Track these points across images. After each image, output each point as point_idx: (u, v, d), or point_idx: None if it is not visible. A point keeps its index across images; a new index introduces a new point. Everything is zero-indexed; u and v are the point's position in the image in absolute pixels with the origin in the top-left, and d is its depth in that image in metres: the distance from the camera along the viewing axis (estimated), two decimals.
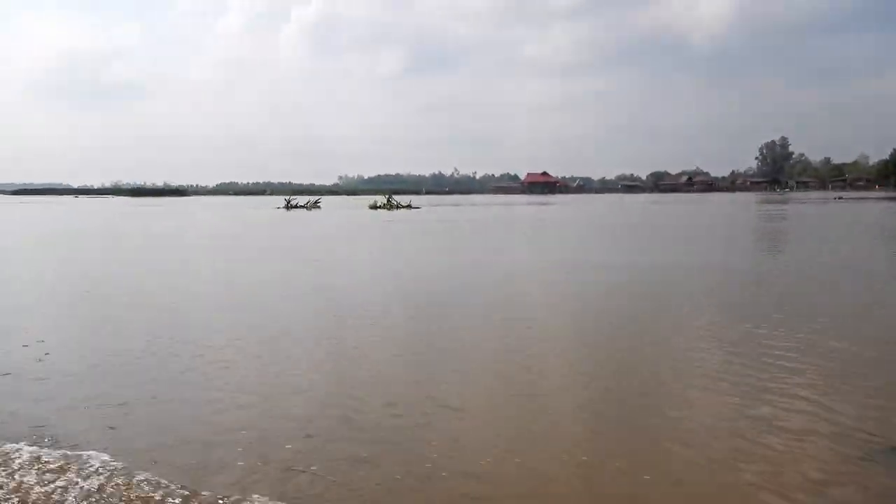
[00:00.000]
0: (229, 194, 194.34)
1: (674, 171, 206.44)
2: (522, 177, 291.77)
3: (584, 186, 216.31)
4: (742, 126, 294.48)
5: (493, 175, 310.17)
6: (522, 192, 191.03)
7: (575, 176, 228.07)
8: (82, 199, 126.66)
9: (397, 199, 46.06)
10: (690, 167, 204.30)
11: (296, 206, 46.16)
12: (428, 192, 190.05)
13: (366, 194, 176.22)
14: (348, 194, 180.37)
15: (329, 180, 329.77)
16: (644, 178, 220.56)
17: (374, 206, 43.67)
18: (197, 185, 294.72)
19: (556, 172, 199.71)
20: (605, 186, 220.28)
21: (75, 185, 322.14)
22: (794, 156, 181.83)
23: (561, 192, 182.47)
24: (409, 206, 43.89)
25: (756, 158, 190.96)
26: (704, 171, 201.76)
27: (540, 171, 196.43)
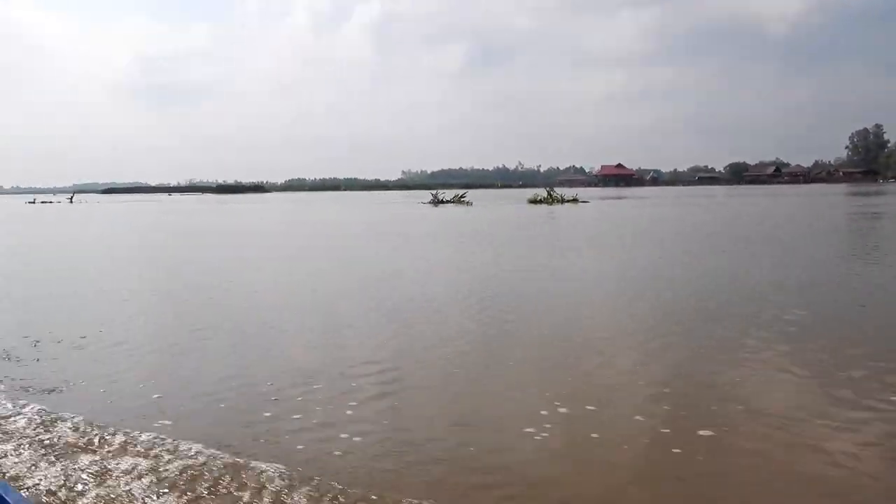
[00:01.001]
0: (303, 190, 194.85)
1: (751, 161, 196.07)
2: (588, 169, 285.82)
3: (658, 179, 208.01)
4: (820, 115, 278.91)
5: (557, 168, 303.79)
6: (595, 184, 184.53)
7: (643, 168, 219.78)
8: (175, 196, 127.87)
9: (558, 192, 42.16)
10: (768, 158, 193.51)
11: (443, 202, 42.77)
12: (503, 186, 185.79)
13: (430, 188, 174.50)
14: (411, 188, 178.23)
15: (393, 176, 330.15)
16: (721, 169, 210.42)
17: (535, 201, 40.11)
18: (266, 182, 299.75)
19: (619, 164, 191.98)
20: (677, 178, 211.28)
21: (153, 184, 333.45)
22: (889, 144, 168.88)
23: (636, 184, 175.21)
24: (574, 200, 40.10)
25: (846, 147, 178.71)
26: (784, 161, 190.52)
27: (613, 163, 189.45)
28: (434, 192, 46.11)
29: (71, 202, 69.48)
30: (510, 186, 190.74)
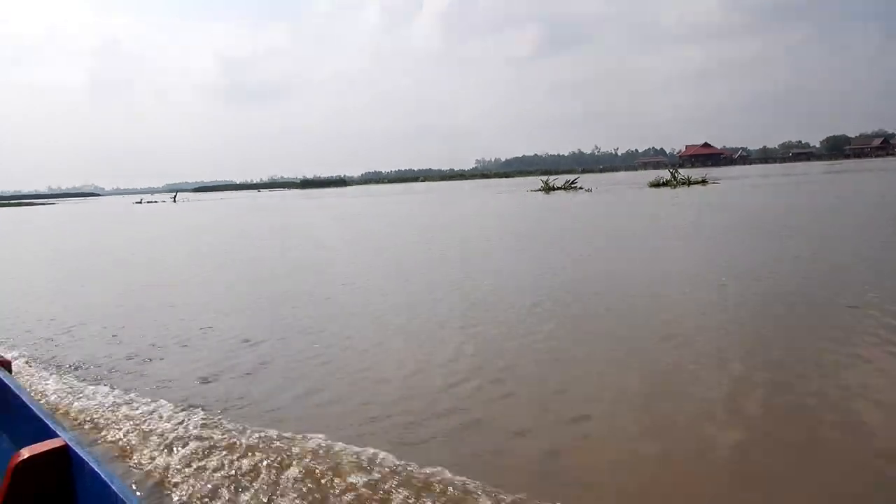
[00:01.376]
0: (381, 182, 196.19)
1: (851, 134, 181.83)
2: (669, 150, 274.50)
3: (747, 157, 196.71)
4: None
5: (636, 150, 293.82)
6: (681, 165, 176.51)
7: (728, 147, 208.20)
8: (264, 192, 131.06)
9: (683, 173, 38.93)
10: (870, 129, 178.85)
11: (554, 188, 40.42)
12: (584, 171, 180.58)
13: (509, 177, 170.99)
14: (490, 177, 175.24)
15: (467, 165, 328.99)
16: (816, 144, 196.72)
17: (659, 184, 37.31)
18: (344, 176, 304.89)
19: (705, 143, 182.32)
20: (767, 156, 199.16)
21: (237, 181, 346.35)
22: None
23: (725, 163, 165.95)
24: (703, 182, 36.98)
25: None
26: (890, 132, 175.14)
27: (695, 142, 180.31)
28: (546, 178, 43.80)
29: (174, 201, 70.89)
30: (591, 171, 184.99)
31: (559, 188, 39.61)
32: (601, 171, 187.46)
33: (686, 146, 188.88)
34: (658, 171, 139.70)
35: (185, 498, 3.19)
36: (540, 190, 40.66)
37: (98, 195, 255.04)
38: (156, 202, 73.42)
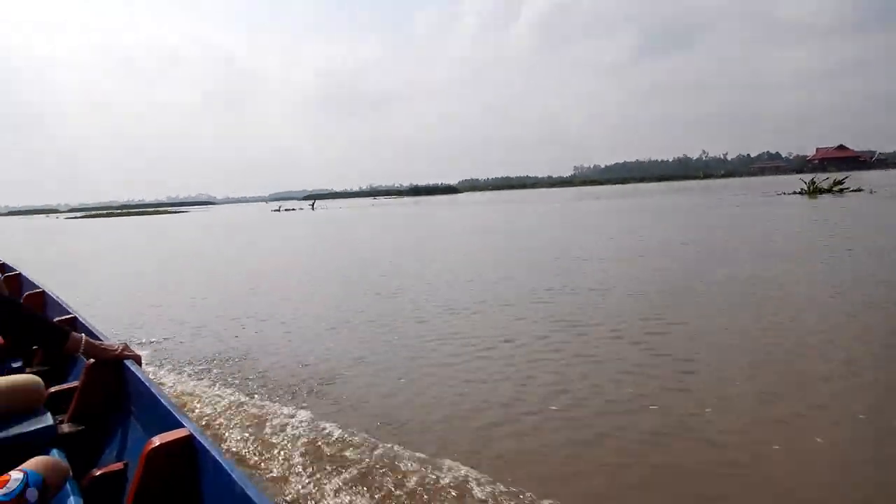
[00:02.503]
0: (487, 189, 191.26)
1: None
2: (786, 154, 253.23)
3: (886, 160, 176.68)
4: None
5: (747, 155, 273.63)
6: (811, 170, 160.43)
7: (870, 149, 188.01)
8: (380, 199, 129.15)
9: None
10: None
11: (820, 191, 32.58)
12: (707, 177, 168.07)
13: (611, 183, 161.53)
14: (588, 184, 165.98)
15: (564, 172, 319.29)
16: None
17: (812, 191, 30.93)
18: (441, 184, 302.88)
19: (823, 146, 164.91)
20: None
21: (338, 189, 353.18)
22: None
23: (864, 168, 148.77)
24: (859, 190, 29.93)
25: None
26: None
27: (828, 145, 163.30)
28: (809, 178, 36.72)
29: (313, 208, 68.40)
30: (711, 176, 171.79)
31: (825, 191, 31.88)
32: (722, 176, 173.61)
33: (817, 149, 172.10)
34: (780, 176, 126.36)
35: (299, 492, 3.26)
36: (800, 193, 33.44)
37: (213, 203, 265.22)
38: (294, 209, 70.80)
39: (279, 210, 69.87)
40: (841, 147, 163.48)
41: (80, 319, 3.25)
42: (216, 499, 1.56)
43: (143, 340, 6.80)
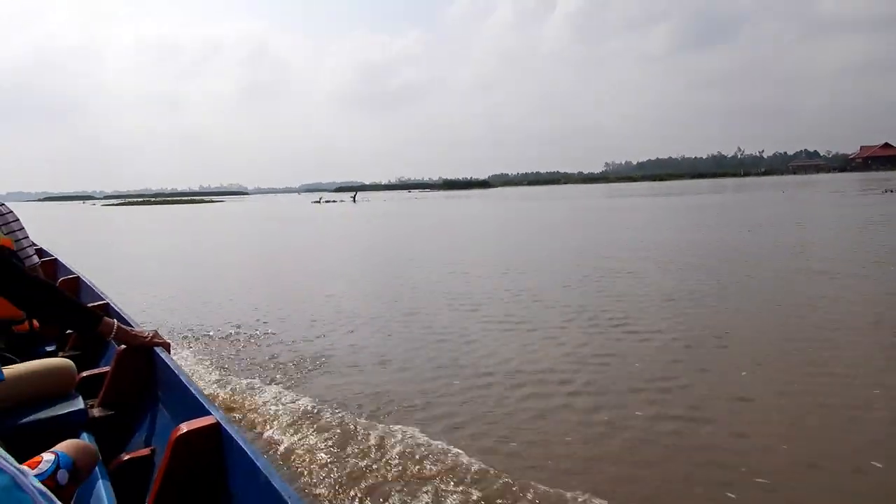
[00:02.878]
0: (519, 185, 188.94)
1: None
2: (824, 153, 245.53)
3: None
4: None
5: (784, 153, 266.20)
6: (853, 168, 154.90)
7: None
8: (415, 192, 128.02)
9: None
10: None
11: None
12: (746, 174, 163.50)
13: (645, 180, 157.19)
14: (620, 181, 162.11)
15: (596, 168, 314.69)
16: None
17: None
18: (470, 178, 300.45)
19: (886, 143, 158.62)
20: None
21: (367, 182, 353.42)
22: None
23: None
24: None
25: None
26: None
27: (879, 143, 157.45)
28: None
29: (354, 201, 65.27)
30: (749, 174, 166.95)
31: None
32: (762, 174, 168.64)
33: (861, 147, 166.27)
34: (823, 174, 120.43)
35: (322, 480, 3.31)
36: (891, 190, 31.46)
37: (245, 193, 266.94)
38: (334, 201, 68.48)
39: (320, 202, 67.72)
40: (886, 145, 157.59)
41: (113, 305, 3.26)
42: (241, 486, 1.56)
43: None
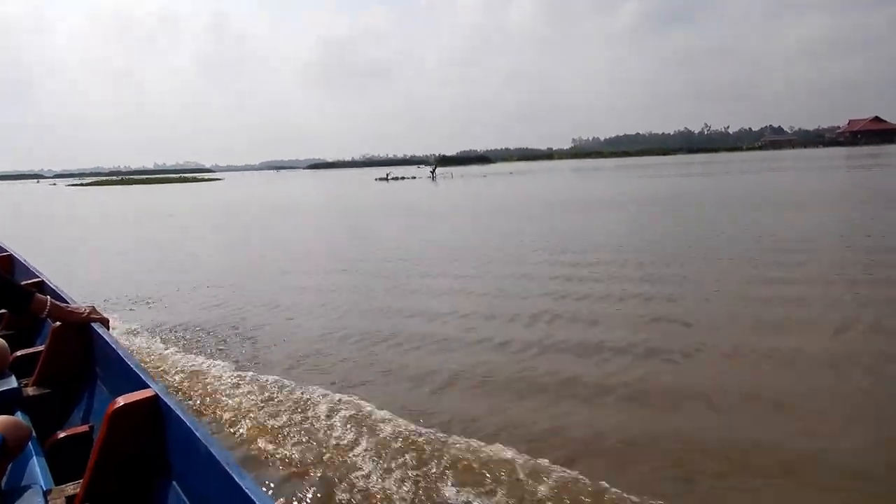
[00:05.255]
0: (513, 160, 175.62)
1: None
2: (787, 128, 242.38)
3: None
4: None
5: (749, 129, 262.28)
6: (840, 143, 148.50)
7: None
8: (417, 168, 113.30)
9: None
10: None
11: None
12: (735, 149, 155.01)
13: (614, 156, 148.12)
14: (586, 156, 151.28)
15: (564, 144, 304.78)
16: None
17: None
18: (441, 155, 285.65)
19: (831, 122, 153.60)
20: None
21: (330, 160, 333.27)
22: None
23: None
24: None
25: None
26: None
27: (870, 117, 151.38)
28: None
29: (433, 178, 47.90)
30: (714, 150, 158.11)
31: None
32: (746, 149, 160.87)
33: (849, 121, 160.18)
34: (791, 150, 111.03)
35: (254, 438, 3.32)
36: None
37: (207, 171, 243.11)
38: (403, 178, 51.04)
39: (387, 179, 49.28)
40: (876, 119, 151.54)
41: (48, 283, 3.10)
42: (181, 458, 1.51)
43: None
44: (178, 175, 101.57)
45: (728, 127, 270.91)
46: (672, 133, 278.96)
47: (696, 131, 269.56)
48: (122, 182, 75.53)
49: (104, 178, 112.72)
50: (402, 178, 51.01)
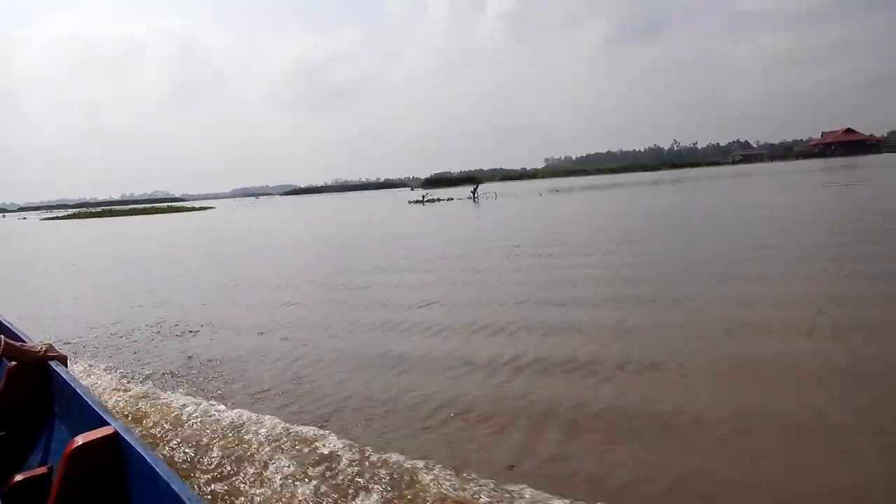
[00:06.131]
0: (495, 180, 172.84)
1: None
2: (755, 142, 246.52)
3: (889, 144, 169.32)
4: None
5: (717, 144, 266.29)
6: (816, 154, 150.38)
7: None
8: (408, 191, 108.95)
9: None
10: None
11: None
12: (672, 166, 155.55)
13: (586, 174, 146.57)
14: (559, 176, 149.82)
15: (537, 164, 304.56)
16: None
17: None
18: (412, 178, 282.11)
19: (794, 135, 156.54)
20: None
21: (302, 185, 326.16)
22: None
23: (873, 152, 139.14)
24: None
25: None
26: None
27: (843, 129, 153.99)
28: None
29: (475, 199, 42.33)
30: (678, 166, 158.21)
31: None
32: (733, 162, 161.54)
33: (822, 133, 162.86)
34: (768, 164, 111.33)
35: (218, 476, 3.22)
36: None
37: (179, 200, 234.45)
38: (438, 199, 45.46)
39: (422, 201, 43.97)
40: (849, 130, 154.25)
41: (2, 320, 2.96)
42: (141, 493, 1.45)
43: None
44: (166, 205, 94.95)
45: (696, 143, 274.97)
46: (642, 150, 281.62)
47: (666, 147, 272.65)
48: (104, 214, 69.11)
49: (84, 210, 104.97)
50: (438, 199, 46.17)
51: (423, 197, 48.18)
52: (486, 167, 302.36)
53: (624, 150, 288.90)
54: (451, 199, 45.95)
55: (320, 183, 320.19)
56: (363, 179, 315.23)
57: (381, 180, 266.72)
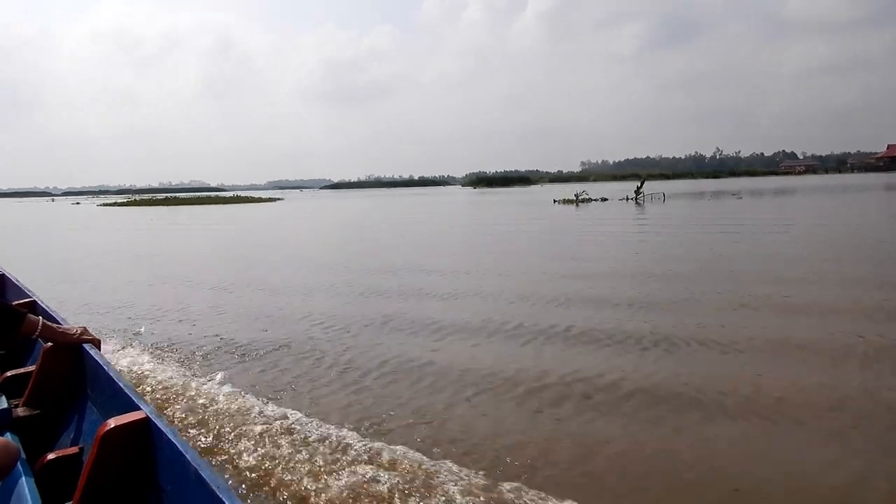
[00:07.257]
0: (559, 181, 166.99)
1: None
2: (801, 154, 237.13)
3: None
4: None
5: (761, 154, 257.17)
6: (880, 168, 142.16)
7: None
8: (451, 189, 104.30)
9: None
10: None
11: None
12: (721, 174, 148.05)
13: (626, 180, 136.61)
14: (604, 180, 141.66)
15: (573, 167, 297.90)
16: None
17: None
18: (448, 176, 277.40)
19: (841, 148, 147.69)
20: None
21: (335, 180, 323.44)
22: None
23: None
24: None
25: None
26: None
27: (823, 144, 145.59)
28: None
29: (639, 202, 33.91)
30: (727, 174, 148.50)
31: None
32: (797, 173, 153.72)
33: (888, 146, 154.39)
34: (825, 175, 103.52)
35: (250, 464, 3.15)
36: None
37: (222, 190, 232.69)
38: (593, 199, 37.48)
39: (576, 202, 35.90)
40: None
41: (40, 303, 3.02)
42: (171, 479, 1.47)
43: None
44: (231, 195, 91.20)
45: (739, 151, 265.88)
46: (683, 157, 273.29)
47: (708, 155, 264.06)
48: (166, 202, 65.35)
49: (142, 196, 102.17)
50: (592, 199, 37.36)
51: (577, 195, 37.55)
52: (522, 168, 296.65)
53: (663, 156, 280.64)
54: (605, 199, 38.32)
55: (354, 178, 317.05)
56: (397, 176, 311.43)
57: (416, 178, 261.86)
